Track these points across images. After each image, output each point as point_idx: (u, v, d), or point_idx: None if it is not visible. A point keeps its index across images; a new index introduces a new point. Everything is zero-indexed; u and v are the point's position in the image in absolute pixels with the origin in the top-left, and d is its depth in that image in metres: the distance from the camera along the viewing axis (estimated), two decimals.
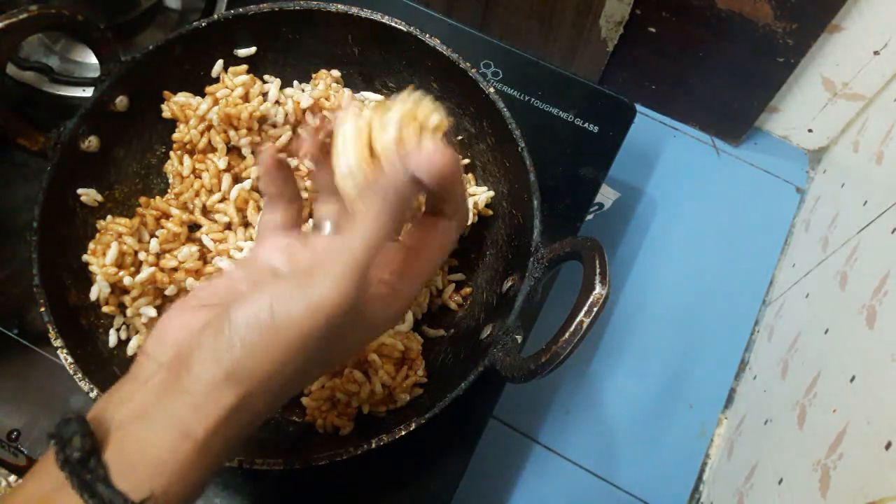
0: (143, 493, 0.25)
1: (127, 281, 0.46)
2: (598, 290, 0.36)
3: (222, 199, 0.51)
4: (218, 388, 0.27)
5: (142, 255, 0.47)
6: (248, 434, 0.29)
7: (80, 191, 0.49)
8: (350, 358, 0.46)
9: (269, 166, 0.35)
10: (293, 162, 0.50)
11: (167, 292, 0.47)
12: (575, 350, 0.36)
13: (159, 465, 0.26)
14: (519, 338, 0.42)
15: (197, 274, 0.48)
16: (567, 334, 0.35)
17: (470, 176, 0.54)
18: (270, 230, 0.36)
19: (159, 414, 0.27)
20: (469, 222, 0.51)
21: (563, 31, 1.01)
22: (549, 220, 0.48)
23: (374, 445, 0.41)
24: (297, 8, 0.51)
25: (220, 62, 0.53)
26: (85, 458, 0.25)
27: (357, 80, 0.56)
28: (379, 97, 0.54)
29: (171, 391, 0.27)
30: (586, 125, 0.63)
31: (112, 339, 0.47)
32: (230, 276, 0.33)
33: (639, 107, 0.65)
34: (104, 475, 0.25)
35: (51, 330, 0.43)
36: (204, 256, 0.49)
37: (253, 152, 0.52)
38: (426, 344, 0.50)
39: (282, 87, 0.54)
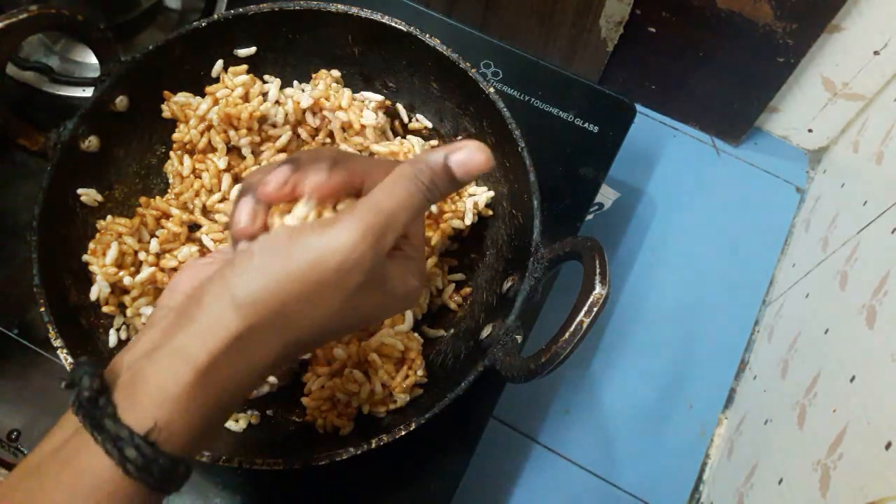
0: (147, 425, 0.25)
1: (127, 281, 0.46)
2: (598, 290, 0.36)
3: (222, 199, 0.51)
4: (225, 314, 0.27)
5: (142, 255, 0.47)
6: (254, 382, 0.29)
7: (80, 191, 0.49)
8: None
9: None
10: None
11: None
12: (575, 350, 0.36)
13: (162, 396, 0.26)
14: (519, 338, 0.42)
15: None
16: (567, 334, 0.35)
17: None
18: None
19: (165, 347, 0.27)
20: (469, 222, 0.51)
21: (563, 31, 1.01)
22: (549, 220, 0.48)
23: (374, 445, 0.41)
24: (297, 8, 0.51)
25: (220, 62, 0.53)
26: (94, 397, 0.26)
27: (357, 80, 0.56)
28: (379, 97, 0.54)
29: (179, 325, 0.28)
30: (586, 125, 0.63)
31: (112, 339, 0.47)
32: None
33: (639, 107, 0.65)
34: (112, 412, 0.25)
35: (51, 330, 0.43)
36: (204, 256, 0.49)
37: (253, 152, 0.52)
38: (426, 344, 0.50)
39: (282, 87, 0.54)
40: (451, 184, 0.32)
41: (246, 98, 0.51)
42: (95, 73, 0.49)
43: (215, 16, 0.51)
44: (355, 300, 0.30)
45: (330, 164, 0.32)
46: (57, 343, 0.42)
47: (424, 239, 0.36)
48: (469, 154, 0.32)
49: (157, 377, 0.26)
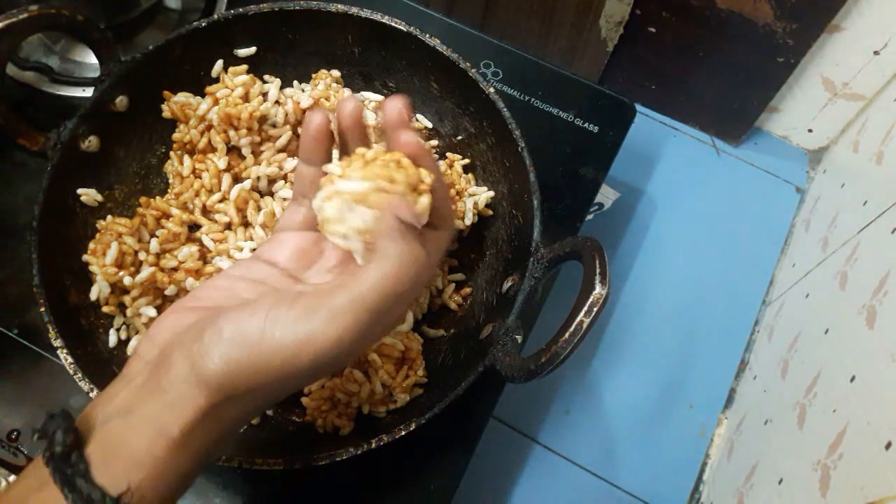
0: (121, 488, 0.25)
1: (127, 281, 0.46)
2: (598, 290, 0.36)
3: (222, 199, 0.51)
4: (192, 391, 0.27)
5: (142, 255, 0.47)
6: (232, 435, 0.29)
7: (80, 191, 0.49)
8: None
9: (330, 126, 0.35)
10: None
11: (167, 292, 0.47)
12: (575, 350, 0.36)
13: (137, 461, 0.26)
14: (519, 338, 0.42)
15: (197, 274, 0.48)
16: (567, 334, 0.35)
17: (470, 176, 0.54)
18: (288, 228, 0.36)
19: (139, 411, 0.27)
20: (469, 222, 0.51)
21: (563, 31, 1.01)
22: (549, 220, 0.48)
23: (374, 445, 0.41)
24: (297, 8, 0.51)
25: (220, 62, 0.53)
26: (67, 452, 0.25)
27: (357, 80, 0.56)
28: (379, 97, 0.54)
29: (152, 389, 0.28)
30: (586, 125, 0.63)
31: (112, 339, 0.47)
32: (230, 276, 0.33)
33: (639, 107, 0.65)
34: (84, 469, 0.25)
35: (51, 330, 0.43)
36: (204, 256, 0.49)
37: (253, 152, 0.52)
38: (426, 344, 0.50)
39: (282, 87, 0.54)
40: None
41: (246, 98, 0.51)
42: (95, 73, 0.49)
43: (215, 16, 0.51)
44: (331, 368, 0.29)
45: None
46: (57, 343, 0.42)
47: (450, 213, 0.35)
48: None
49: (131, 442, 0.26)
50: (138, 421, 0.27)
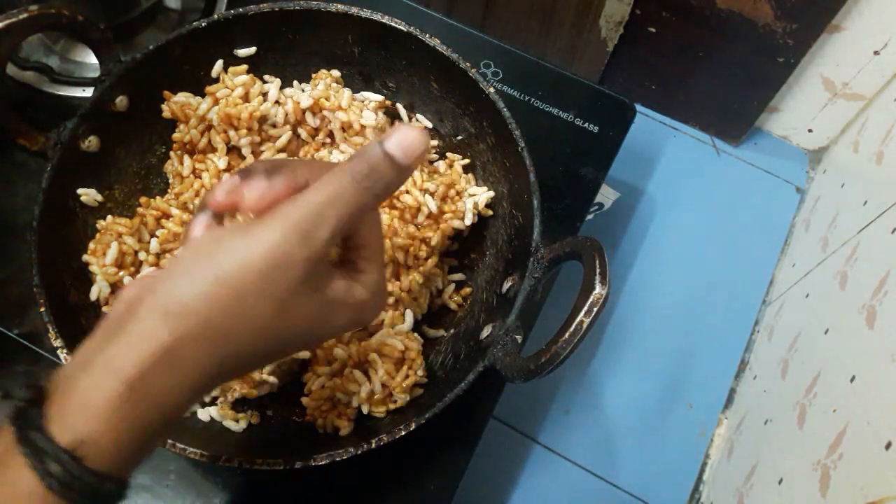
0: (73, 439, 0.24)
1: (127, 281, 0.46)
2: (598, 290, 0.36)
3: None
4: (155, 325, 0.26)
5: (142, 255, 0.47)
6: (198, 392, 0.28)
7: (80, 191, 0.49)
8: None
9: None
10: None
11: None
12: (575, 350, 0.36)
13: (91, 410, 0.25)
14: (519, 338, 0.42)
15: None
16: (567, 334, 0.35)
17: (470, 176, 0.54)
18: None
19: (97, 358, 0.26)
20: (469, 222, 0.51)
21: (563, 31, 1.01)
22: (549, 220, 0.48)
23: (374, 445, 0.41)
24: (297, 8, 0.51)
25: (220, 62, 0.53)
26: (26, 408, 0.25)
27: (357, 80, 0.56)
28: (379, 97, 0.54)
29: (113, 335, 0.27)
30: (586, 125, 0.63)
31: None
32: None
33: (639, 107, 0.65)
34: (40, 424, 0.25)
35: (51, 330, 0.43)
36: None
37: (253, 152, 0.52)
38: (426, 344, 0.50)
39: (282, 87, 0.54)
40: (394, 170, 0.30)
41: (246, 98, 0.51)
42: (95, 73, 0.49)
43: (215, 16, 0.51)
44: (288, 308, 0.28)
45: (269, 171, 0.30)
46: (57, 343, 0.42)
47: (383, 248, 0.34)
48: (402, 135, 0.30)
49: (86, 389, 0.25)
50: (96, 367, 0.26)
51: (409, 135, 0.30)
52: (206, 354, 0.27)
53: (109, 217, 0.49)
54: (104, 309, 0.47)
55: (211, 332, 0.27)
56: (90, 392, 0.25)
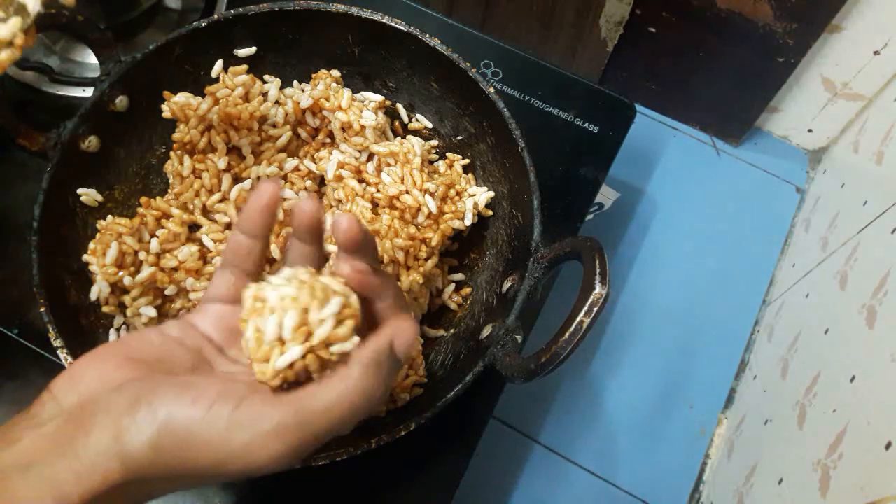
0: None
1: (127, 281, 0.46)
2: (598, 290, 0.36)
3: (222, 199, 0.51)
4: (109, 464, 0.25)
5: (142, 255, 0.47)
6: None
7: (80, 191, 0.49)
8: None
9: (267, 203, 0.32)
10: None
11: (167, 292, 0.47)
12: (575, 350, 0.36)
13: None
14: (519, 338, 0.42)
15: (197, 274, 0.48)
16: (567, 334, 0.35)
17: (470, 176, 0.54)
18: (213, 299, 0.33)
19: (41, 469, 0.25)
20: (469, 222, 0.51)
21: (563, 31, 1.01)
22: (549, 220, 0.48)
23: (374, 445, 0.41)
24: (297, 8, 0.51)
25: (220, 62, 0.53)
26: None
27: (357, 80, 0.56)
28: (379, 97, 0.54)
29: (62, 448, 0.25)
30: (586, 125, 0.63)
31: (112, 339, 0.47)
32: (165, 336, 0.31)
33: (639, 107, 0.65)
34: None
35: (51, 330, 0.43)
36: (204, 256, 0.49)
37: (253, 152, 0.52)
38: (426, 344, 0.50)
39: (282, 87, 0.54)
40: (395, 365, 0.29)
41: (246, 98, 0.51)
42: (95, 73, 0.49)
43: (215, 16, 0.51)
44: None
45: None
46: (57, 343, 0.42)
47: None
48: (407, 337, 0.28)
49: (25, 498, 0.24)
50: (37, 479, 0.25)
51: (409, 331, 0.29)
52: (154, 490, 0.27)
53: (109, 217, 0.49)
54: (105, 309, 0.47)
55: (166, 481, 0.26)
56: None
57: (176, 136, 0.51)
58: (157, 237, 0.48)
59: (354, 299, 0.29)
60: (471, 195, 0.52)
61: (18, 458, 0.25)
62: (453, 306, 0.53)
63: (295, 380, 0.28)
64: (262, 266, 0.34)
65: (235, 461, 0.25)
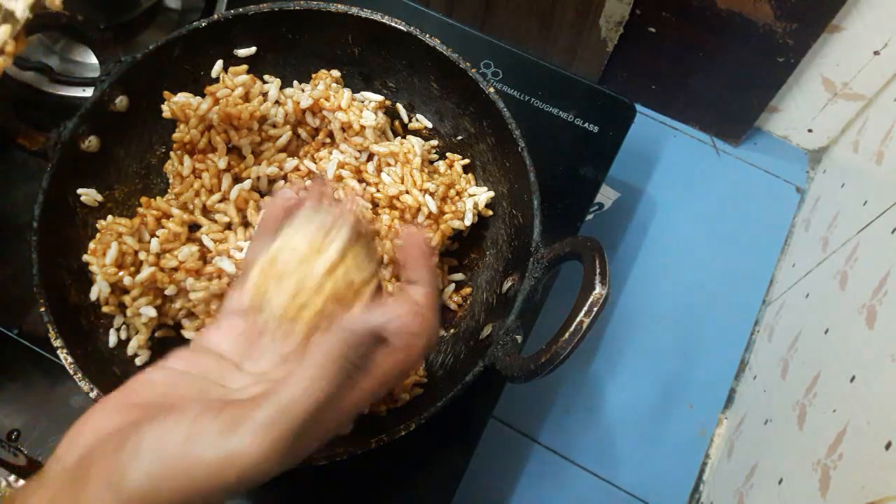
0: None
1: (127, 281, 0.46)
2: (598, 290, 0.36)
3: (222, 199, 0.51)
4: None
5: (142, 255, 0.47)
6: None
7: (80, 191, 0.49)
8: None
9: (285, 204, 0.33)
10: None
11: (167, 292, 0.47)
12: (575, 350, 0.36)
13: None
14: (519, 338, 0.42)
15: (197, 274, 0.48)
16: (567, 334, 0.35)
17: (470, 176, 0.54)
18: (231, 312, 0.34)
19: None
20: (469, 222, 0.51)
21: (563, 31, 1.01)
22: (549, 220, 0.48)
23: (373, 445, 0.41)
24: (297, 8, 0.51)
25: (220, 62, 0.53)
26: None
27: (357, 80, 0.56)
28: (379, 97, 0.54)
29: (64, 500, 0.26)
30: (586, 125, 0.63)
31: (112, 339, 0.47)
32: (170, 371, 0.31)
33: (639, 107, 0.65)
34: None
35: (51, 330, 0.43)
36: (204, 256, 0.49)
37: (253, 152, 0.52)
38: None
39: (282, 87, 0.54)
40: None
41: (246, 98, 0.51)
42: (95, 73, 0.49)
43: (215, 16, 0.51)
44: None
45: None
46: (57, 343, 0.42)
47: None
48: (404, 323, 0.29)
49: None
50: None
51: (401, 313, 0.29)
52: None
53: (109, 217, 0.49)
54: (105, 309, 0.47)
55: (169, 502, 0.26)
56: None
57: (176, 136, 0.51)
58: (157, 237, 0.48)
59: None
60: (471, 195, 0.52)
61: None
62: (453, 306, 0.53)
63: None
64: None
65: (229, 468, 0.25)
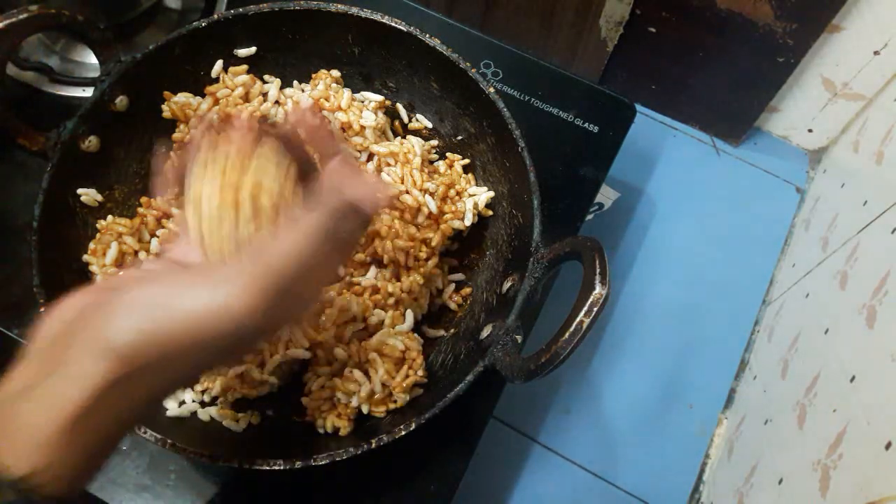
0: (25, 469, 0.25)
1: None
2: (598, 290, 0.36)
3: None
4: (95, 363, 0.26)
5: (142, 255, 0.47)
6: (142, 412, 0.28)
7: (80, 191, 0.49)
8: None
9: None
10: None
11: None
12: (575, 350, 0.36)
13: (39, 441, 0.25)
14: (519, 338, 0.42)
15: None
16: (567, 334, 0.35)
17: (470, 176, 0.54)
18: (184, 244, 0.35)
19: (38, 389, 0.26)
20: (469, 222, 0.51)
21: (563, 31, 1.01)
22: (549, 220, 0.48)
23: (374, 445, 0.41)
24: (297, 8, 0.51)
25: (220, 62, 0.53)
26: None
27: (357, 80, 0.56)
28: (379, 97, 0.54)
29: (52, 364, 0.26)
30: (586, 125, 0.63)
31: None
32: (144, 267, 0.33)
33: (639, 107, 0.65)
34: None
35: None
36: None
37: None
38: (426, 344, 0.50)
39: (282, 87, 0.54)
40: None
41: (246, 98, 0.51)
42: (95, 73, 0.49)
43: (215, 16, 0.51)
44: (247, 343, 0.29)
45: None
46: None
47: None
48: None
49: (33, 419, 0.25)
50: (38, 398, 0.26)
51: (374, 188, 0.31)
52: (150, 384, 0.27)
53: (109, 217, 0.49)
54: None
55: (159, 365, 0.27)
56: (37, 421, 0.25)
57: (176, 136, 0.51)
58: (158, 237, 0.48)
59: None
60: (471, 195, 0.52)
61: (18, 387, 0.26)
62: (453, 306, 0.53)
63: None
64: None
65: (215, 316, 0.26)
